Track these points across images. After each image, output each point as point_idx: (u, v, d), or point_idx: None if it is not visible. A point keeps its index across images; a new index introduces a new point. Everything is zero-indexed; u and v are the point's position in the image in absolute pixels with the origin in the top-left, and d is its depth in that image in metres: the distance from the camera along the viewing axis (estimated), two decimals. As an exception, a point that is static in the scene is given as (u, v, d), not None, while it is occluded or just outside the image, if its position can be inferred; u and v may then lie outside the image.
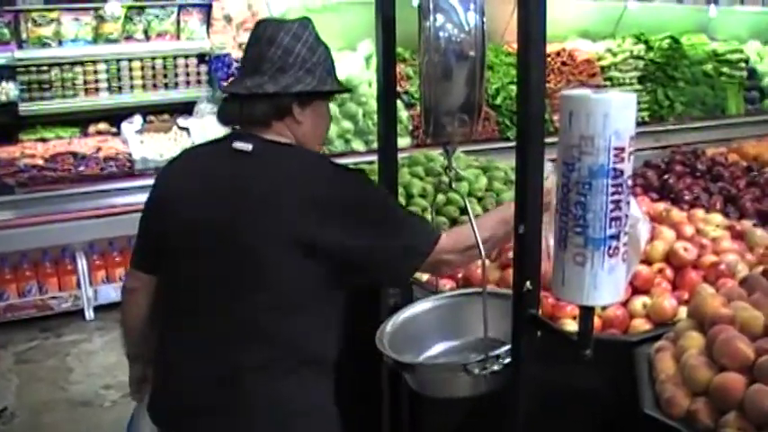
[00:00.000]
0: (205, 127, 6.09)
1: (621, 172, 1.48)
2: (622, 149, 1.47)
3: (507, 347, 1.92)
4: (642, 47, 7.60)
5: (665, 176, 3.90)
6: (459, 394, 2.08)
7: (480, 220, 2.09)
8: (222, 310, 2.00)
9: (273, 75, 2.04)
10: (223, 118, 2.16)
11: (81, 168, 5.64)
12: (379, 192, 2.23)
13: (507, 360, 1.90)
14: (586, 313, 1.59)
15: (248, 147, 2.04)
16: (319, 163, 2.09)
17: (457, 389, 2.06)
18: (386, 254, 2.03)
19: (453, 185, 2.21)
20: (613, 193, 1.48)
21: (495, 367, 1.92)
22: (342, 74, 6.18)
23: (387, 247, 2.02)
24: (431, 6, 1.92)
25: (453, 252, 2.09)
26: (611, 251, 1.50)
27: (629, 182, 1.51)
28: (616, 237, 1.50)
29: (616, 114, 1.45)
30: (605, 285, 1.52)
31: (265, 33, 2.07)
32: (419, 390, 2.16)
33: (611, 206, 1.48)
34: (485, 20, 1.93)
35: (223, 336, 2.00)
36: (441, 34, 1.92)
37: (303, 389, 2.01)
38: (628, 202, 1.51)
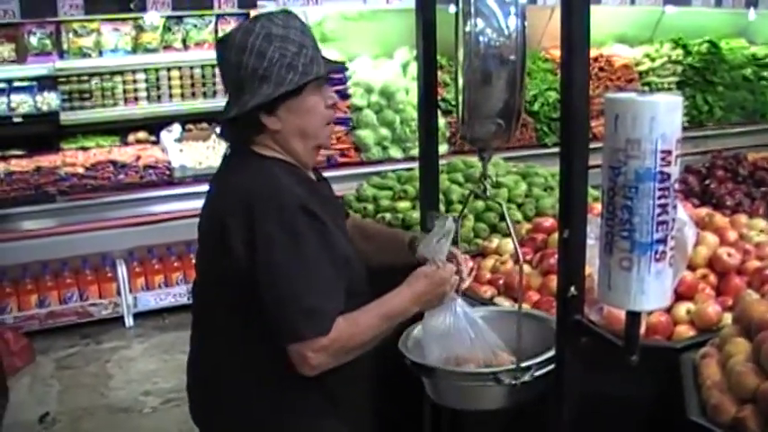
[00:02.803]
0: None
1: (668, 175, 1.46)
2: (669, 152, 1.45)
3: (539, 360, 1.92)
4: (680, 51, 7.53)
5: (707, 182, 3.85)
6: (481, 406, 2.07)
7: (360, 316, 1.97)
8: (199, 318, 2.17)
9: (236, 95, 1.97)
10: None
11: (121, 177, 5.69)
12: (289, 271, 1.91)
13: (538, 373, 1.90)
14: (633, 318, 1.57)
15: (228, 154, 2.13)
16: (258, 194, 1.92)
17: (482, 400, 2.04)
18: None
19: (488, 193, 2.19)
20: (660, 197, 1.46)
21: (527, 378, 1.91)
22: (379, 81, 6.24)
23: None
24: (471, 11, 1.92)
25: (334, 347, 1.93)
26: (657, 255, 1.48)
27: (676, 185, 1.49)
28: (663, 241, 1.48)
29: (663, 117, 1.43)
30: (652, 290, 1.49)
31: (220, 54, 2.00)
32: (437, 399, 2.13)
33: (657, 210, 1.46)
34: (526, 24, 1.92)
35: (201, 340, 2.17)
36: (481, 39, 1.92)
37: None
38: (675, 206, 1.49)
